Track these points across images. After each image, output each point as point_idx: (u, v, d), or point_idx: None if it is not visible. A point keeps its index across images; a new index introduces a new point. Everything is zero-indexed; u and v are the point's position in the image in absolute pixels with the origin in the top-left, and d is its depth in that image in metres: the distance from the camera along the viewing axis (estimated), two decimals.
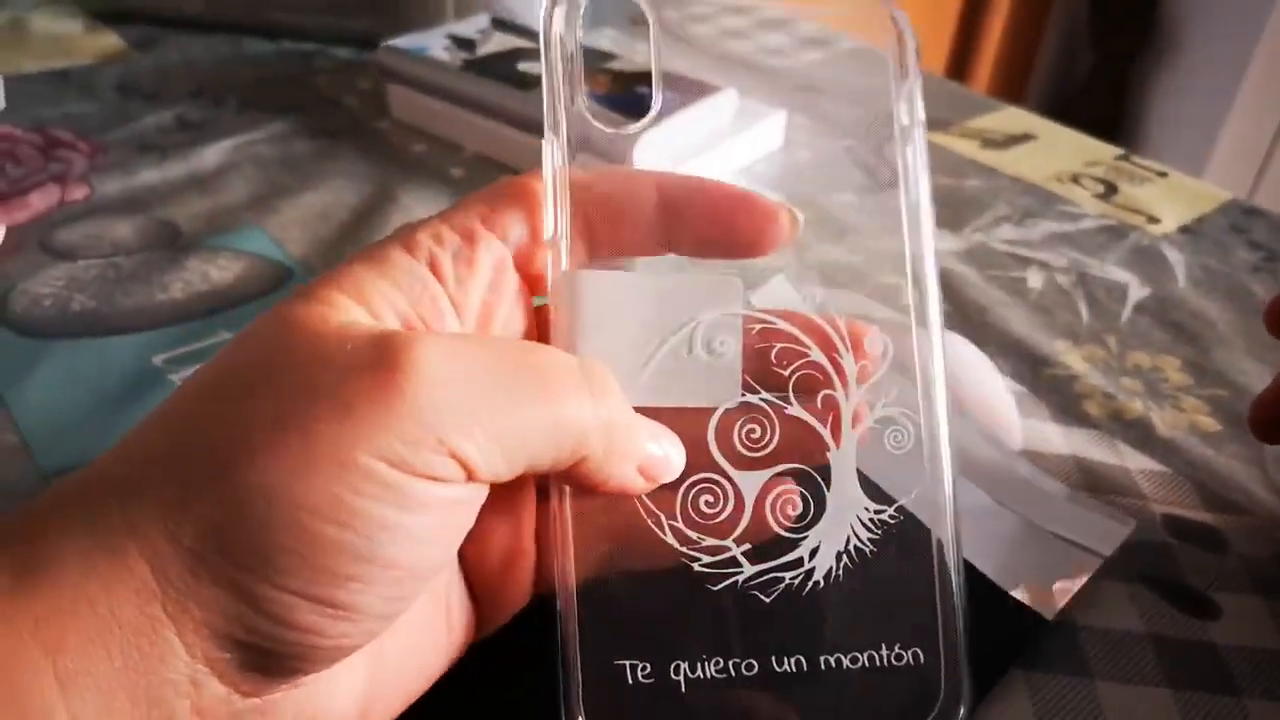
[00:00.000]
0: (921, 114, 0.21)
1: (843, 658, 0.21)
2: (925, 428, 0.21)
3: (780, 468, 0.21)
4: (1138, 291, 0.46)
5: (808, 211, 0.22)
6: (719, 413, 0.21)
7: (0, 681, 0.15)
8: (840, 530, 0.21)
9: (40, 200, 0.47)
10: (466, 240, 0.20)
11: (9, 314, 0.40)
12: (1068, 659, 0.27)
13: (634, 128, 0.22)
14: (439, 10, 0.63)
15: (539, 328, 0.22)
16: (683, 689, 0.20)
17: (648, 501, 0.20)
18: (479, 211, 0.21)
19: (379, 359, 0.17)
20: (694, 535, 0.21)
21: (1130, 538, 0.30)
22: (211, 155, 0.53)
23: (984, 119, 0.64)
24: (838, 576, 0.21)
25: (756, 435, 0.21)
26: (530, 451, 0.18)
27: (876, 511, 0.21)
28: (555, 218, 0.21)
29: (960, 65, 1.52)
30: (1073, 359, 0.41)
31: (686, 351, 0.21)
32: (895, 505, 0.21)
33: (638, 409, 0.20)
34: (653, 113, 0.22)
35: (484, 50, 0.55)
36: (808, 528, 0.21)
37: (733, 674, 0.20)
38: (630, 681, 0.20)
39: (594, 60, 0.52)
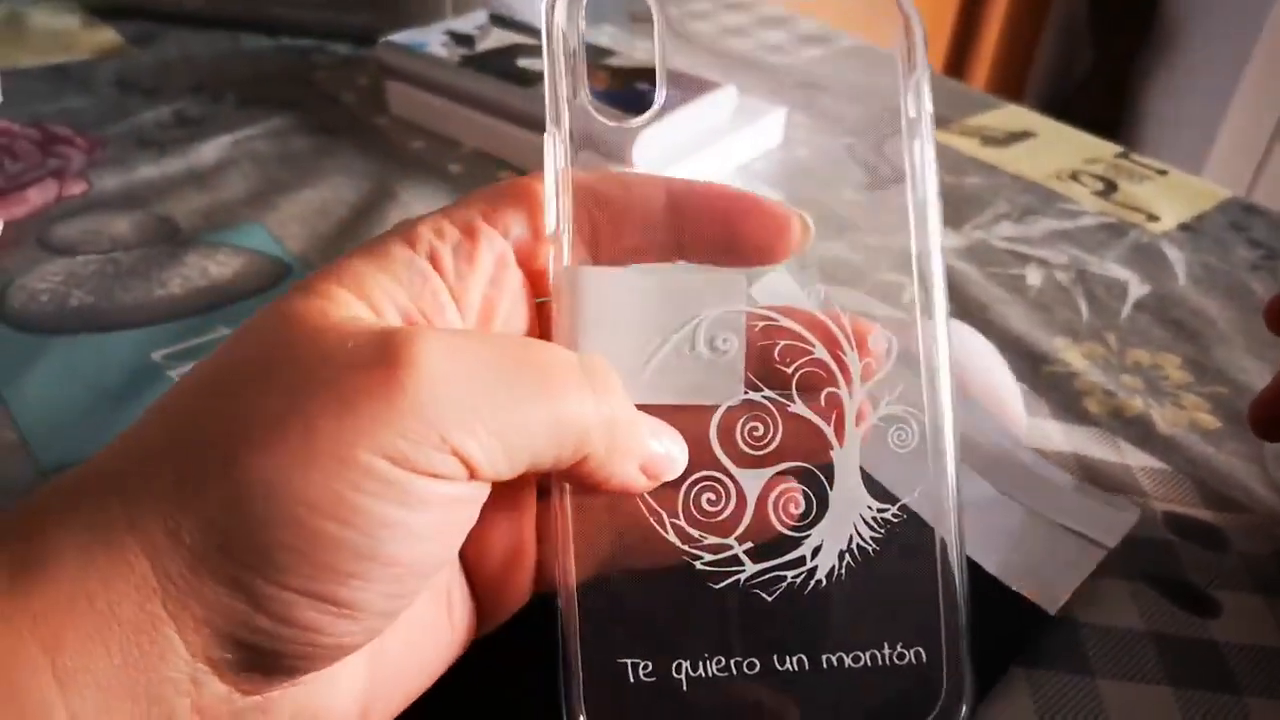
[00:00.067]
0: (929, 106, 0.21)
1: (845, 656, 0.20)
2: (929, 426, 0.21)
3: (783, 466, 0.21)
4: (1137, 289, 0.46)
5: (807, 209, 0.22)
6: (721, 410, 0.21)
7: None
8: (843, 529, 0.21)
9: (38, 195, 0.47)
10: (467, 235, 0.20)
11: (7, 310, 0.39)
12: (1069, 656, 0.27)
13: (636, 122, 0.22)
14: (438, 6, 0.63)
15: (541, 324, 0.22)
16: (684, 687, 0.20)
17: (649, 499, 0.20)
18: (480, 208, 0.20)
19: (380, 355, 0.17)
20: (696, 533, 0.20)
21: (1133, 531, 0.30)
22: (210, 151, 0.53)
23: (984, 116, 0.64)
24: (840, 575, 0.21)
25: (759, 433, 0.21)
26: (532, 449, 0.18)
27: (879, 510, 0.21)
28: (557, 211, 0.20)
29: (959, 63, 1.51)
30: (1072, 356, 0.41)
31: (689, 348, 0.21)
32: (898, 504, 0.21)
33: (640, 406, 0.20)
34: (656, 107, 0.22)
35: (483, 46, 0.55)
36: (810, 526, 0.21)
37: (734, 672, 0.20)
38: (632, 680, 0.20)
39: (594, 56, 0.52)
